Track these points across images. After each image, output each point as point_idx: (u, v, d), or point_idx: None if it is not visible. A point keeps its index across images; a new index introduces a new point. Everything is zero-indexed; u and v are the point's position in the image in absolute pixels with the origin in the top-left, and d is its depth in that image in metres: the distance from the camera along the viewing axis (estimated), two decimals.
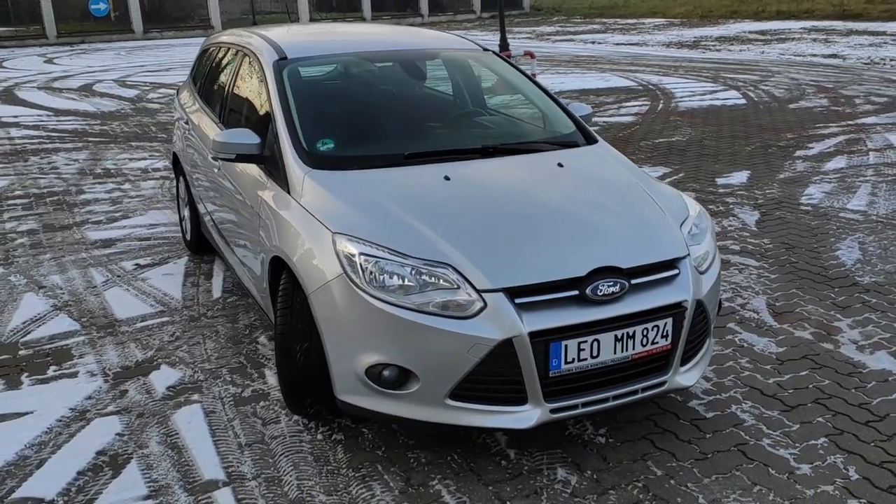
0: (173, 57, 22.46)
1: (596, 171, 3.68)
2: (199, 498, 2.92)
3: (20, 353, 4.15)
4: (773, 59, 17.47)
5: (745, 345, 4.01)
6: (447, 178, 3.38)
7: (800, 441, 3.16)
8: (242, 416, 3.47)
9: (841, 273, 4.93)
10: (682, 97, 12.39)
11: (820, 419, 3.32)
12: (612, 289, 2.90)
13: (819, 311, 4.38)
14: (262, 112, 4.02)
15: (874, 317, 4.29)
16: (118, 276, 5.24)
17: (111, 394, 3.70)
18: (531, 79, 4.42)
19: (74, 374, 3.90)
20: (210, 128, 4.69)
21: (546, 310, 2.85)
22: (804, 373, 3.71)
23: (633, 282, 2.96)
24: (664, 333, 3.01)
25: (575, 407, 2.94)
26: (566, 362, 2.86)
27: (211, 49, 5.50)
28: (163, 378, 3.83)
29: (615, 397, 3.00)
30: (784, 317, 4.32)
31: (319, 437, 3.29)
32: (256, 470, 3.08)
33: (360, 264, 2.93)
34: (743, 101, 11.88)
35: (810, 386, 3.59)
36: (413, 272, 2.89)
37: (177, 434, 3.34)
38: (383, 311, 2.86)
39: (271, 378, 3.80)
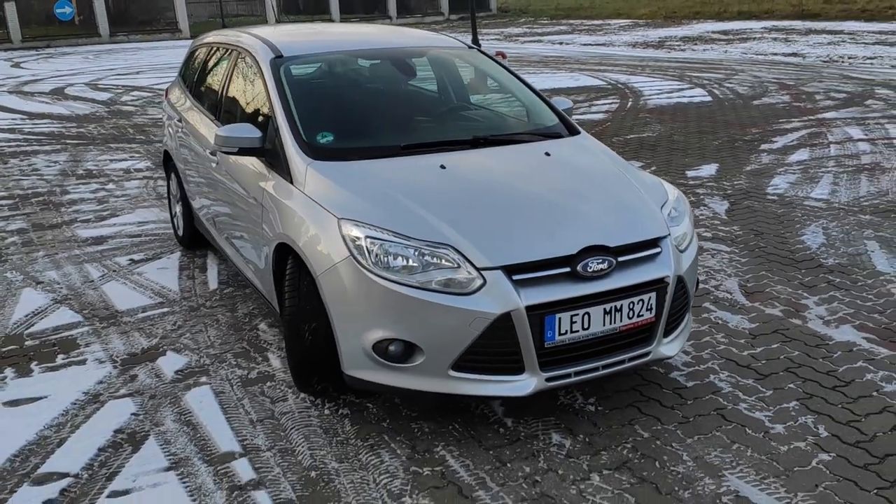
0: (142, 60, 22.42)
1: (580, 159, 3.92)
2: (219, 468, 3.10)
3: (26, 343, 4.29)
4: (736, 57, 17.94)
5: (721, 322, 4.27)
6: (443, 167, 3.59)
7: (773, 405, 3.43)
8: (251, 396, 3.65)
9: (807, 256, 5.23)
10: (650, 95, 12.74)
11: (791, 385, 3.58)
12: (600, 265, 3.14)
13: (787, 291, 4.66)
14: (260, 108, 4.21)
15: (838, 294, 4.58)
16: (114, 271, 5.38)
17: (122, 378, 3.86)
18: (515, 74, 4.65)
19: (83, 362, 4.05)
20: (205, 125, 4.85)
21: (541, 286, 3.07)
22: (775, 345, 3.98)
23: (620, 259, 3.20)
24: (648, 307, 3.25)
25: (568, 376, 3.17)
26: (559, 334, 3.09)
27: (200, 49, 5.66)
28: (170, 363, 4.00)
29: (604, 367, 3.24)
30: (755, 296, 4.60)
31: (326, 412, 3.49)
32: (270, 442, 3.27)
33: (366, 247, 3.14)
34: (709, 98, 12.25)
35: (781, 357, 3.86)
36: (416, 253, 3.10)
37: (190, 413, 3.52)
38: (389, 290, 3.07)
39: (275, 361, 3.98)
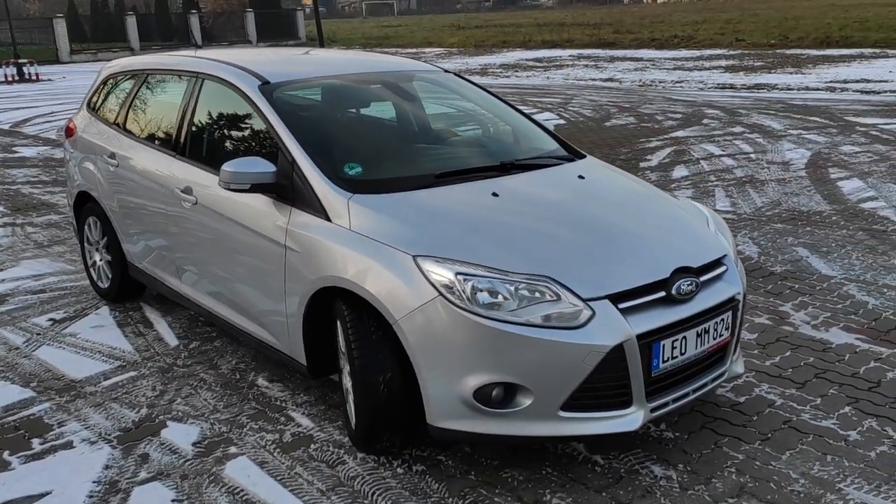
0: None
1: (614, 181, 3.86)
2: None
3: None
4: (561, 83, 18.88)
5: None
6: (495, 195, 3.40)
7: (831, 411, 3.52)
8: (301, 462, 3.23)
9: (755, 265, 5.50)
10: None
11: (832, 391, 3.71)
12: (689, 287, 3.08)
13: (760, 300, 4.86)
14: (257, 139, 3.80)
15: (807, 299, 4.84)
16: (38, 335, 4.63)
17: (131, 459, 3.29)
18: (501, 98, 4.53)
19: (69, 445, 3.42)
20: (160, 161, 4.30)
21: (642, 313, 2.96)
22: (788, 353, 4.12)
23: (701, 279, 3.16)
24: (727, 326, 3.24)
25: (667, 404, 3.08)
26: (663, 361, 3.00)
27: (123, 78, 5.03)
28: (180, 435, 3.47)
29: (693, 391, 3.18)
30: None
31: (400, 471, 3.16)
32: None
33: (458, 285, 2.88)
34: (563, 121, 12.74)
35: (802, 364, 3.99)
36: (514, 288, 2.89)
37: (243, 490, 3.05)
38: (493, 329, 2.83)
39: (302, 419, 3.57)
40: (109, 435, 3.49)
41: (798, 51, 24.60)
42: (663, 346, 2.98)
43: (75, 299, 5.20)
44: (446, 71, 4.65)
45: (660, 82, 18.38)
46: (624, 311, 2.92)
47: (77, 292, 5.32)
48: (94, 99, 5.28)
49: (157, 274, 4.54)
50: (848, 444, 3.26)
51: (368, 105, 4.24)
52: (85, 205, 5.15)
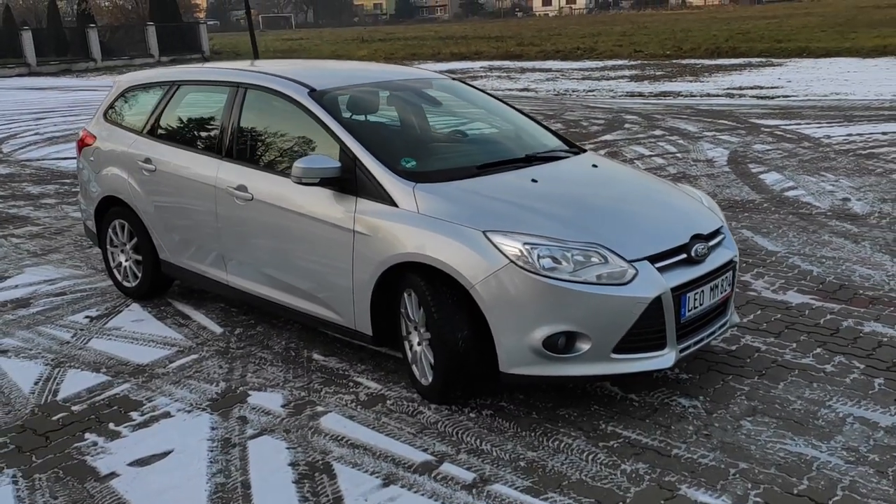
0: None
1: (621, 170, 4.56)
2: (436, 474, 3.23)
3: (74, 408, 3.91)
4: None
5: None
6: (534, 181, 4.02)
7: (806, 352, 4.27)
8: (384, 414, 3.75)
9: None
10: None
11: (802, 338, 4.47)
12: (703, 250, 3.78)
13: None
14: (305, 139, 4.30)
15: (762, 271, 5.66)
16: (82, 330, 4.94)
17: (232, 421, 3.73)
18: (502, 99, 5.16)
19: (168, 414, 3.82)
20: (205, 163, 4.71)
21: (671, 271, 3.64)
22: (759, 312, 4.87)
23: (710, 244, 3.87)
24: (729, 282, 3.96)
25: (689, 347, 3.76)
26: (688, 310, 3.68)
27: (148, 89, 5.40)
28: (266, 400, 3.92)
29: (707, 336, 3.88)
30: None
31: (472, 415, 3.72)
32: (451, 448, 3.44)
33: (526, 253, 3.48)
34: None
35: (772, 319, 4.75)
36: (571, 254, 3.51)
37: (345, 437, 3.55)
38: (559, 288, 3.44)
39: (368, 382, 4.07)
40: (201, 405, 3.91)
41: (692, 60, 26.30)
42: (688, 297, 3.66)
43: (101, 299, 5.50)
44: (452, 78, 5.25)
45: (573, 91, 19.43)
46: (659, 270, 3.59)
47: (100, 293, 5.62)
48: (113, 110, 5.61)
49: (197, 268, 4.93)
50: (826, 375, 4.02)
51: (403, 108, 4.79)
52: (108, 210, 5.46)
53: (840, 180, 8.37)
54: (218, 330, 4.87)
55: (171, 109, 5.17)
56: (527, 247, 3.50)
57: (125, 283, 5.49)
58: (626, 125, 13.21)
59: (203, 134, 4.94)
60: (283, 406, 3.86)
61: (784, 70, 21.56)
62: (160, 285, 5.39)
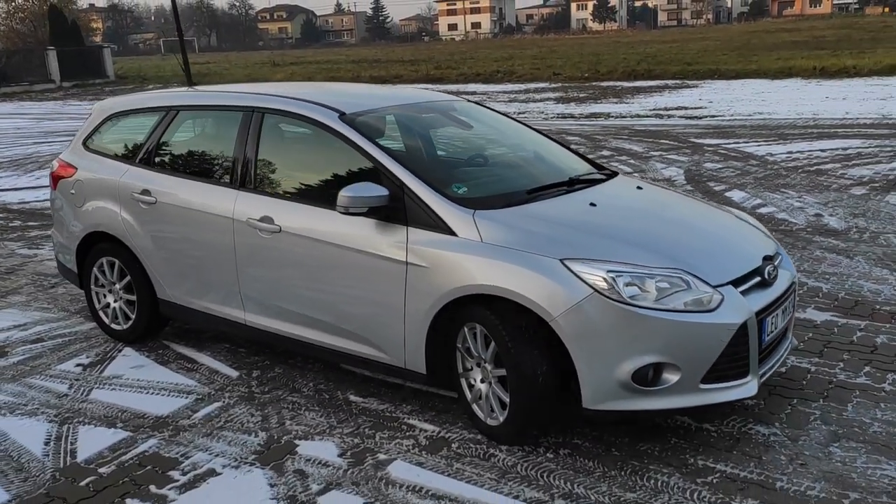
0: None
1: (665, 192, 4.44)
2: None
3: (101, 471, 3.47)
4: None
5: None
6: (593, 205, 3.84)
7: (857, 371, 4.24)
8: (454, 459, 3.47)
9: None
10: None
11: (846, 356, 4.44)
12: (774, 272, 3.68)
13: None
14: (339, 166, 4.01)
15: None
16: (77, 380, 4.46)
17: (290, 476, 3.37)
18: (521, 121, 4.98)
19: (214, 472, 3.44)
20: (219, 194, 4.33)
21: (750, 294, 3.51)
22: None
23: (775, 265, 3.77)
24: (793, 304, 3.87)
25: (766, 373, 3.64)
26: (767, 335, 3.56)
27: (137, 115, 4.97)
28: (319, 450, 3.58)
29: (777, 361, 3.77)
30: None
31: (550, 455, 3.48)
32: (546, 494, 3.20)
33: (611, 281, 3.29)
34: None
35: (806, 338, 4.71)
36: (656, 280, 3.34)
37: (422, 486, 3.25)
38: (645, 317, 3.26)
39: (422, 424, 3.79)
40: (247, 459, 3.54)
41: (611, 83, 26.91)
42: (768, 321, 3.54)
43: (86, 344, 5.01)
44: (468, 101, 5.04)
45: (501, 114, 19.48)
46: (742, 294, 3.46)
47: (83, 337, 5.12)
48: (94, 138, 5.14)
49: (207, 306, 4.52)
50: (887, 394, 3.97)
51: (434, 131, 4.55)
52: (93, 248, 4.99)
53: (804, 196, 8.55)
54: (233, 373, 4.48)
55: (171, 136, 4.76)
56: (611, 274, 3.31)
57: (114, 326, 5.01)
58: (573, 146, 13.28)
59: (214, 162, 4.54)
60: (339, 456, 3.53)
61: (702, 91, 22.26)
62: (155, 327, 4.95)
